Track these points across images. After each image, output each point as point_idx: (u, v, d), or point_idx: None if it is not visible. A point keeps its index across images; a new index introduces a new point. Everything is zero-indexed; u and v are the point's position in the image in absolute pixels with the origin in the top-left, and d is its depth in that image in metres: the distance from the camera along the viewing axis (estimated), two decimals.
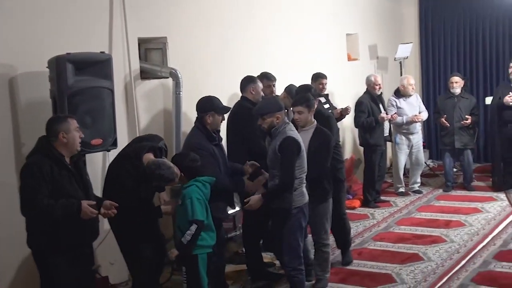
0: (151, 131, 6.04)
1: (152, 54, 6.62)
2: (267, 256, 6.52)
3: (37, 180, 4.18)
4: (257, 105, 5.44)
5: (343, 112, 8.05)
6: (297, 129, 5.30)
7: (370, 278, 5.99)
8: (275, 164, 5.02)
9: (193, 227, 4.66)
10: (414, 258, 6.43)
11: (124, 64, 6.12)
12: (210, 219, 4.87)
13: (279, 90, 6.93)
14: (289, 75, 7.53)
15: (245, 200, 5.12)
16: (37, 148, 4.39)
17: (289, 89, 7.08)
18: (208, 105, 5.35)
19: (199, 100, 5.48)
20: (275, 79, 6.86)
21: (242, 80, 6.25)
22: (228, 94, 6.88)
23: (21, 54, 5.10)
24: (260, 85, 6.27)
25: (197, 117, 5.47)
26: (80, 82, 4.96)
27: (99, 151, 5.22)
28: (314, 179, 5.28)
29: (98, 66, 5.11)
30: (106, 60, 5.18)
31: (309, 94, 5.68)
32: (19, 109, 5.13)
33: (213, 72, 7.02)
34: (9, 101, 5.08)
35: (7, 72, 5.06)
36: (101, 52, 5.22)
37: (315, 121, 5.51)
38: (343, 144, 9.65)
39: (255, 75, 6.54)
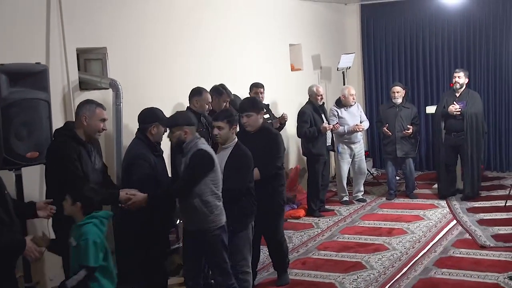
0: None
1: (92, 65, 6.52)
2: None
3: None
4: (166, 118, 5.32)
5: (281, 121, 8.14)
6: (216, 146, 5.33)
7: (314, 287, 6.03)
8: None
9: (82, 273, 4.16)
10: (357, 266, 6.52)
11: (62, 75, 6.01)
12: (110, 263, 4.39)
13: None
14: (234, 85, 7.54)
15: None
16: None
17: (232, 100, 7.16)
18: (152, 117, 5.39)
19: (141, 111, 5.54)
20: (227, 95, 6.93)
21: (190, 91, 6.38)
22: (170, 105, 6.85)
23: None
24: (206, 98, 6.36)
25: (138, 129, 5.51)
26: (15, 94, 4.87)
27: (34, 164, 5.10)
28: (231, 199, 5.12)
29: (33, 77, 5.03)
30: (42, 71, 5.10)
31: (231, 109, 5.58)
32: None
33: (155, 83, 6.96)
34: None
35: None
36: (36, 63, 5.12)
37: (236, 138, 5.34)
38: (287, 154, 9.73)
39: (198, 85, 6.58)
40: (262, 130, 5.75)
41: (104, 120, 4.98)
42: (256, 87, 8.05)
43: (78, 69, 6.29)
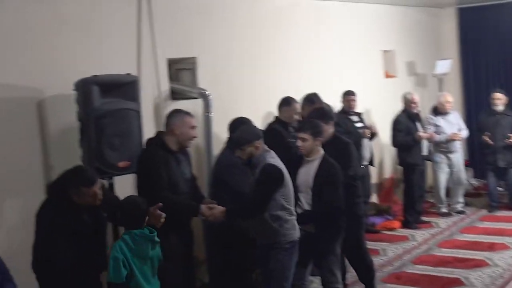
0: None
1: (183, 75, 6.58)
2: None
3: None
4: (234, 137, 5.04)
5: (367, 133, 7.82)
6: (301, 157, 5.11)
7: None
8: None
9: None
10: (455, 283, 6.19)
11: (154, 85, 6.09)
12: (138, 283, 4.09)
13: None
14: (325, 94, 7.37)
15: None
16: None
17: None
18: (238, 126, 5.29)
19: (231, 121, 5.50)
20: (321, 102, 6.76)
21: (279, 100, 6.25)
22: (259, 115, 6.78)
23: (49, 76, 5.09)
24: (295, 107, 6.22)
25: (229, 137, 5.45)
26: (106, 104, 4.90)
27: (126, 174, 5.14)
28: (325, 217, 4.94)
29: (124, 88, 5.05)
30: (132, 82, 5.13)
31: (317, 121, 5.25)
32: (47, 132, 5.11)
33: (243, 92, 6.95)
34: (37, 124, 5.07)
35: (35, 95, 5.05)
36: (127, 74, 5.16)
37: (322, 150, 5.10)
38: (382, 164, 9.48)
39: (288, 94, 6.46)
40: (332, 140, 5.48)
41: (194, 127, 4.99)
42: (348, 95, 7.87)
43: (170, 79, 6.34)
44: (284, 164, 4.81)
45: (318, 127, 5.07)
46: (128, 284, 4.01)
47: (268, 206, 4.55)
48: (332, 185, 4.93)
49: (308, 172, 4.98)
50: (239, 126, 5.31)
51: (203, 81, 6.49)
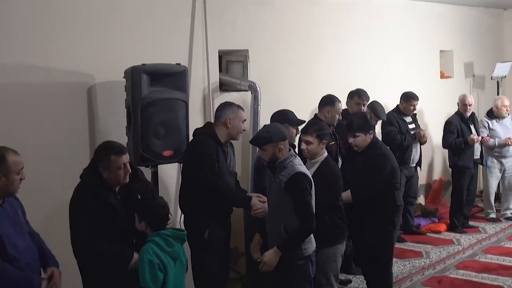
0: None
1: (233, 67, 6.59)
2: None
3: None
4: (257, 134, 4.61)
5: (419, 138, 7.68)
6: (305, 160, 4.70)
7: None
8: (281, 205, 4.25)
9: None
10: None
11: (204, 76, 6.12)
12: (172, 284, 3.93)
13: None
14: (375, 93, 7.29)
15: (257, 259, 4.38)
16: None
17: (372, 105, 6.91)
18: (282, 118, 5.30)
19: (274, 113, 5.52)
20: (367, 99, 6.70)
21: (321, 99, 6.13)
22: (307, 110, 6.73)
23: (100, 64, 5.18)
24: (339, 108, 6.10)
25: None
26: (154, 93, 4.93)
27: (170, 163, 5.20)
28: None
29: (173, 77, 5.06)
30: (182, 72, 5.13)
31: (322, 123, 5.05)
32: (95, 118, 5.22)
33: (292, 87, 6.93)
34: (87, 110, 5.18)
35: (86, 81, 5.15)
36: (176, 63, 5.18)
37: (326, 153, 4.79)
38: (432, 165, 9.31)
39: (337, 92, 6.40)
40: (369, 148, 5.23)
41: (245, 121, 5.04)
42: (413, 99, 7.69)
43: (220, 71, 6.37)
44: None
45: (323, 130, 4.81)
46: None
47: (313, 215, 4.18)
48: (323, 187, 4.51)
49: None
50: (279, 117, 5.29)
51: (253, 74, 6.48)
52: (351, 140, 5.23)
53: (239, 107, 5.05)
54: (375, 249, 5.16)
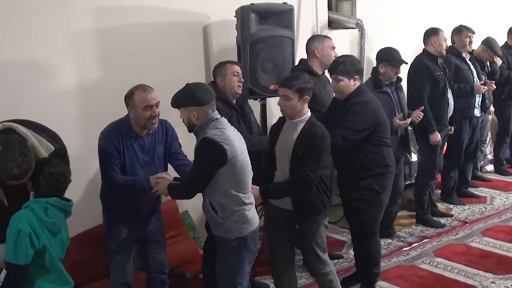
0: None
1: (343, 5, 5.88)
2: (442, 207, 5.65)
3: None
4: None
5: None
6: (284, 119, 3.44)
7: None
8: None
9: (2, 274, 2.55)
10: None
11: (313, 14, 5.43)
12: (54, 263, 2.66)
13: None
14: (487, 30, 6.22)
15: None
16: None
17: (487, 41, 5.94)
18: (384, 56, 4.55)
19: (379, 50, 4.70)
20: (473, 32, 5.62)
21: (425, 32, 5.19)
22: (411, 48, 5.73)
23: (214, 3, 4.70)
24: (444, 36, 5.12)
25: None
26: (262, 31, 4.44)
27: (277, 96, 4.65)
28: (302, 190, 3.33)
29: (280, 16, 4.51)
30: (288, 11, 4.55)
31: (305, 76, 3.38)
32: (210, 54, 4.77)
33: (397, 25, 6.04)
34: (202, 47, 4.74)
35: (202, 20, 4.70)
36: (283, 3, 4.59)
37: (309, 111, 3.35)
38: None
39: (449, 29, 5.48)
40: (353, 95, 3.73)
41: (333, 48, 4.34)
42: None
43: (330, 9, 5.65)
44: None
45: (306, 83, 3.30)
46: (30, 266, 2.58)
47: (198, 189, 3.06)
48: (314, 155, 3.26)
49: (288, 138, 3.35)
50: (383, 55, 4.54)
51: (360, 12, 5.73)
52: (333, 84, 3.80)
53: (325, 36, 4.43)
54: (359, 211, 3.84)
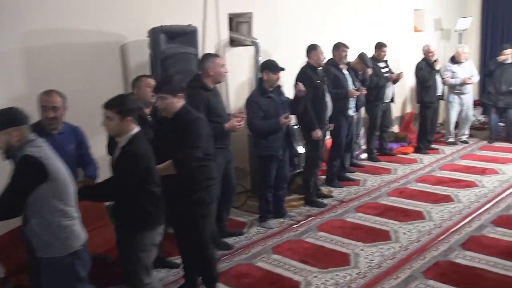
0: (238, 87, 5.99)
1: (242, 26, 6.27)
2: (325, 190, 6.22)
3: None
4: None
5: (398, 77, 7.41)
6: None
7: (404, 213, 5.44)
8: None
9: None
10: (446, 199, 5.80)
11: (216, 34, 5.85)
12: None
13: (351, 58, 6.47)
14: (361, 46, 6.91)
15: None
16: None
17: (361, 55, 6.64)
18: (265, 65, 5.00)
19: (262, 62, 5.16)
20: (348, 48, 6.21)
21: (306, 48, 5.74)
22: (300, 61, 6.34)
23: (130, 25, 4.96)
24: (321, 50, 5.66)
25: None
26: (171, 49, 4.77)
27: None
28: (117, 202, 3.22)
29: (186, 36, 4.89)
30: (193, 31, 4.95)
31: (128, 97, 3.25)
32: (128, 69, 5.03)
33: (287, 42, 6.53)
34: (120, 64, 5.00)
35: (119, 39, 4.95)
36: (188, 24, 4.96)
37: (135, 129, 3.10)
38: (405, 101, 8.95)
39: (329, 46, 6.10)
40: (180, 113, 3.55)
41: (223, 65, 4.40)
42: (381, 47, 7.34)
43: (231, 30, 6.07)
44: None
45: (127, 105, 3.09)
46: None
47: (13, 208, 2.77)
48: (121, 169, 3.11)
49: (115, 156, 3.19)
50: (264, 64, 4.99)
51: (255, 32, 6.17)
52: (159, 102, 3.59)
53: (216, 55, 4.52)
54: (195, 225, 3.68)
